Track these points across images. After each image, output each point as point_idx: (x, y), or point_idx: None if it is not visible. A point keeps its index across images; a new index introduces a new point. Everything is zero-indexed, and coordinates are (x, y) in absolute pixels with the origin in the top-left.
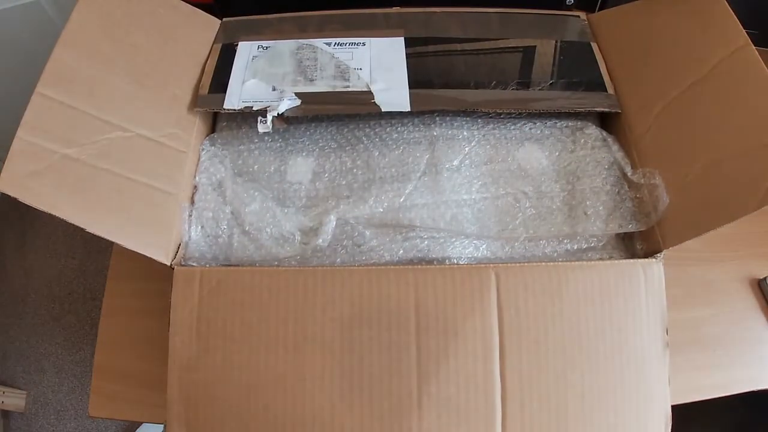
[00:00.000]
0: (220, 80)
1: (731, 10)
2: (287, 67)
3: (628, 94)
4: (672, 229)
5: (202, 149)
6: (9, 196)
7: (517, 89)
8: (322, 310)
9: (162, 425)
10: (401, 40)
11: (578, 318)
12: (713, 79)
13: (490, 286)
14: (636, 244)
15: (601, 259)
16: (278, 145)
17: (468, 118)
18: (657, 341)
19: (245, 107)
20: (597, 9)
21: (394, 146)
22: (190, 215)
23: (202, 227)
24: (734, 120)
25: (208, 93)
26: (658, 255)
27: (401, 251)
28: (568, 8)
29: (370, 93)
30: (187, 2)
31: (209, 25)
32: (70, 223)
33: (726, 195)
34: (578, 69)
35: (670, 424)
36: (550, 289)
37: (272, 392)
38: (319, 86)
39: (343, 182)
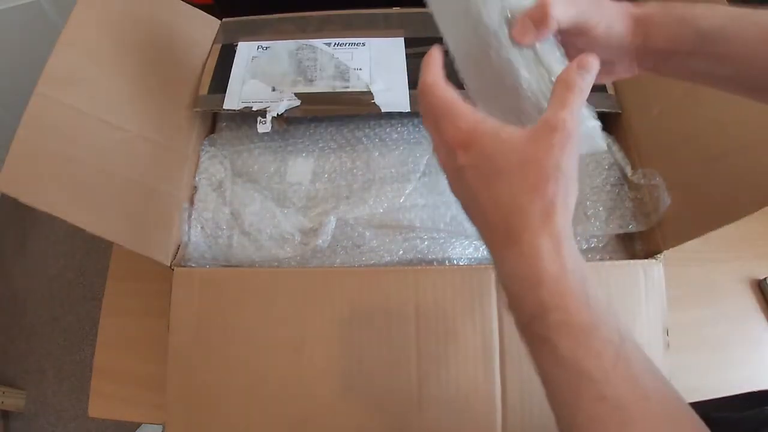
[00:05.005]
0: (219, 80)
1: None
2: (287, 67)
3: (628, 94)
4: (672, 230)
5: (202, 150)
6: (9, 196)
7: None
8: (322, 311)
9: (161, 426)
10: (401, 41)
11: None
12: None
13: (490, 286)
14: (636, 245)
15: (601, 259)
16: (278, 145)
17: None
18: (657, 342)
19: (245, 107)
20: None
21: (394, 147)
22: (190, 216)
23: (201, 228)
24: (734, 120)
25: (208, 93)
26: (659, 256)
27: (401, 252)
28: None
29: (370, 93)
30: (187, 2)
31: (209, 25)
32: (70, 223)
33: (726, 195)
34: None
35: None
36: None
37: (272, 392)
38: (319, 87)
39: (343, 183)
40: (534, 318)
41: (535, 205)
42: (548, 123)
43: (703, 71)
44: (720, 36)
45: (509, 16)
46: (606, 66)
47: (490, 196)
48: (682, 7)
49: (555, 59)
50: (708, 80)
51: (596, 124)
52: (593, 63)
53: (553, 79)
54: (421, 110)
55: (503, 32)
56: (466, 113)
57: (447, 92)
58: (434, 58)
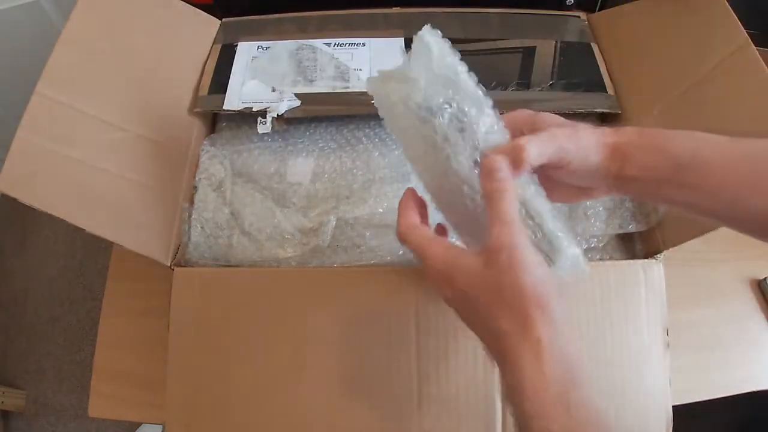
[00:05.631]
0: (219, 81)
1: (731, 10)
2: (287, 67)
3: (628, 94)
4: (672, 230)
5: (202, 150)
6: (9, 196)
7: (517, 90)
8: (322, 311)
9: (161, 426)
10: (401, 41)
11: (578, 319)
12: (713, 79)
13: None
14: (636, 245)
15: (601, 259)
16: (278, 145)
17: None
18: (657, 342)
19: (245, 108)
20: (597, 9)
21: (394, 146)
22: (190, 216)
23: (201, 228)
24: (734, 120)
25: (208, 93)
26: (658, 256)
27: (401, 251)
28: (568, 8)
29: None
30: (187, 2)
31: (209, 25)
32: (70, 223)
33: None
34: (578, 69)
35: (671, 425)
36: None
37: (272, 393)
38: (319, 87)
39: (343, 183)
40: (523, 427)
41: (510, 323)
42: (491, 246)
43: (679, 200)
44: (692, 165)
45: (479, 159)
46: (584, 190)
47: (477, 323)
48: (660, 135)
49: (531, 193)
50: (686, 209)
51: (576, 252)
52: (499, 163)
53: (531, 212)
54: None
55: (475, 176)
56: (439, 253)
57: (421, 236)
58: (407, 201)
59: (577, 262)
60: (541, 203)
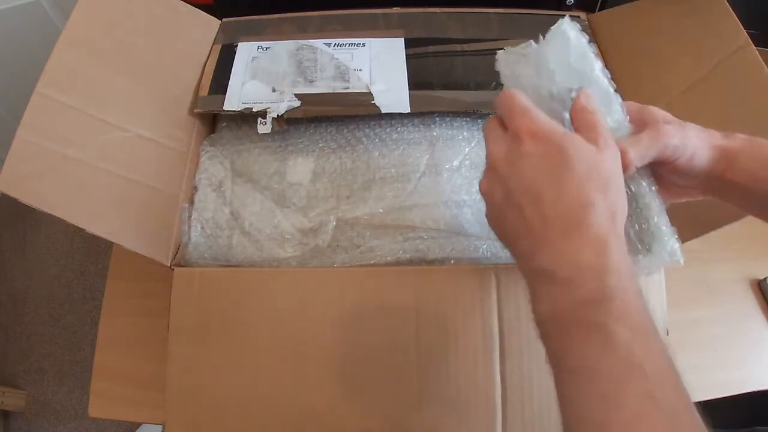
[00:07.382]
0: (220, 81)
1: (731, 10)
2: (287, 68)
3: (628, 94)
4: None
5: (202, 150)
6: (9, 196)
7: None
8: (322, 311)
9: (161, 426)
10: (401, 41)
11: None
12: (713, 79)
13: (490, 286)
14: None
15: None
16: (278, 145)
17: (468, 119)
18: None
19: (245, 108)
20: (597, 9)
21: (394, 147)
22: (190, 216)
23: (201, 228)
24: (734, 120)
25: (208, 94)
26: None
27: (401, 252)
28: (568, 8)
29: (369, 94)
30: (187, 2)
31: (209, 25)
32: (70, 223)
33: None
34: None
35: None
36: None
37: (272, 393)
38: (319, 87)
39: (343, 183)
40: (589, 303)
41: (603, 205)
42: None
43: None
44: None
45: None
46: (683, 188)
47: (555, 186)
48: None
49: (642, 188)
50: None
51: (675, 246)
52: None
53: (640, 204)
54: (499, 104)
55: None
56: (545, 117)
57: (533, 105)
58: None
59: (674, 254)
60: (651, 197)
